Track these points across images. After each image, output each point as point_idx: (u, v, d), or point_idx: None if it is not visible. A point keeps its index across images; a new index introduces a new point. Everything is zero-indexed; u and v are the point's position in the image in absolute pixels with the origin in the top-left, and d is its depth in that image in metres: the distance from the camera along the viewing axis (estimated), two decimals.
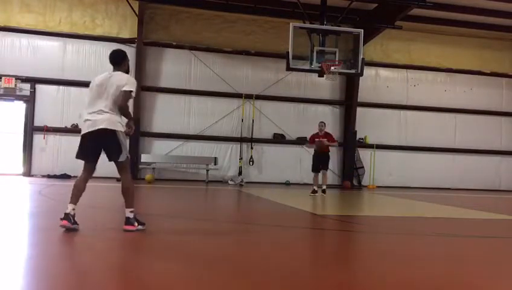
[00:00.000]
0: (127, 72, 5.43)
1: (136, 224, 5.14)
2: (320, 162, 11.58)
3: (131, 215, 5.14)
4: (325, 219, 7.79)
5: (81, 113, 5.29)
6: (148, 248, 4.72)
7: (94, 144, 5.07)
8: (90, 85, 5.34)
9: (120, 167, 5.19)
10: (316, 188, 11.49)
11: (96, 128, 4.97)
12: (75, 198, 5.13)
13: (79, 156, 5.19)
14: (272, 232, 6.05)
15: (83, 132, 5.11)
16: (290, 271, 3.86)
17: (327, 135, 11.64)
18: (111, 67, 5.49)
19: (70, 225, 4.93)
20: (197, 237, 5.29)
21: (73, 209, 5.04)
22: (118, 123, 5.07)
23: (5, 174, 14.18)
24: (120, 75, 5.21)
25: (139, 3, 14.85)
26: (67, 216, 4.95)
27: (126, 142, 5.20)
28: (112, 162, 5.23)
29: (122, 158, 5.09)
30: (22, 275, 3.51)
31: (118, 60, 5.36)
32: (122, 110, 5.11)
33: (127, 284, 3.39)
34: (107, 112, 5.03)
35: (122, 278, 3.58)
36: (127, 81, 5.14)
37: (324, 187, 11.54)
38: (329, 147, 11.66)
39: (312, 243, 5.54)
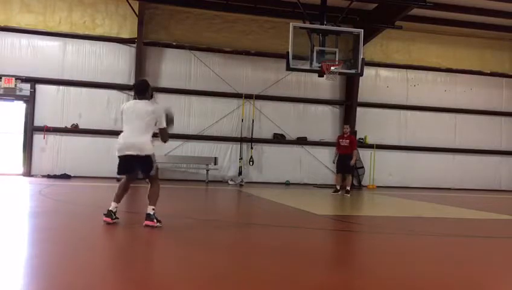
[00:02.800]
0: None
1: (155, 221, 5.53)
2: (341, 165, 12.38)
3: (152, 212, 5.58)
4: (325, 219, 7.80)
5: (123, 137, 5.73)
6: (148, 247, 4.72)
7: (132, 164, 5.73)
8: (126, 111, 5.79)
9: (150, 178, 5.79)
10: (338, 187, 12.43)
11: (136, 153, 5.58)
12: (118, 198, 5.73)
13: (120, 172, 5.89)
14: (272, 232, 6.05)
15: (121, 153, 5.66)
16: (290, 271, 3.86)
17: (351, 138, 12.51)
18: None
19: (111, 221, 5.57)
20: (197, 236, 5.29)
21: (116, 207, 5.66)
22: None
23: (5, 174, 14.18)
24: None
25: (139, 3, 14.83)
26: (109, 213, 5.58)
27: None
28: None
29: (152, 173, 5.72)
30: (22, 275, 3.51)
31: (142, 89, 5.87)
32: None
33: (127, 283, 3.39)
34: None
35: (122, 277, 3.58)
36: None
37: (348, 188, 12.36)
38: (352, 150, 12.30)
39: (312, 243, 5.54)
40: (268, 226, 6.44)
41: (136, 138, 5.57)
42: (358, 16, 15.70)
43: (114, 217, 5.62)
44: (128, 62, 15.32)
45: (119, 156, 5.66)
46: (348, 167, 12.37)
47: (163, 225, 5.54)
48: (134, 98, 6.13)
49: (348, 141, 12.33)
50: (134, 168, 5.76)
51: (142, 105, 5.69)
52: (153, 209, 5.57)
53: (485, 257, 4.90)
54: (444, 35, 17.67)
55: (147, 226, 5.47)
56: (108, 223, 5.52)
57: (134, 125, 5.60)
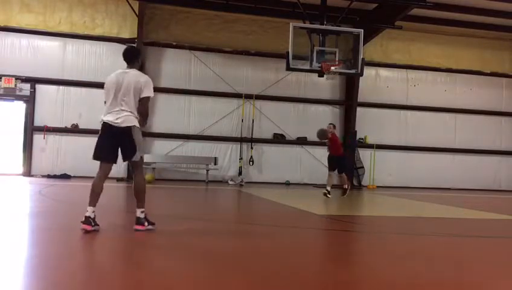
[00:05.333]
0: (141, 68, 5.38)
1: (146, 224, 5.22)
2: (334, 164, 11.39)
3: (142, 216, 5.22)
4: (325, 219, 7.79)
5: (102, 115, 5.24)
6: (147, 248, 4.71)
7: (112, 143, 5.13)
8: (106, 86, 5.24)
9: (134, 166, 5.26)
10: (329, 189, 11.05)
11: (117, 126, 5.04)
12: (94, 200, 5.12)
13: (96, 156, 5.24)
14: (272, 232, 6.05)
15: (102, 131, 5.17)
16: (290, 271, 3.86)
17: (333, 138, 11.35)
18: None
19: (91, 228, 4.97)
20: (198, 237, 5.29)
21: (93, 211, 5.05)
22: (135, 120, 5.12)
23: (5, 174, 14.18)
24: (136, 75, 5.19)
25: (139, 3, 14.84)
26: (87, 219, 4.97)
27: (142, 142, 5.26)
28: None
29: (136, 158, 5.15)
30: (22, 275, 3.51)
31: (131, 58, 5.32)
32: (142, 114, 5.18)
33: (127, 284, 3.39)
34: (126, 111, 5.06)
35: (122, 278, 3.58)
36: (145, 85, 5.12)
37: (345, 187, 11.47)
38: (342, 150, 11.60)
39: (312, 243, 5.54)
40: (268, 227, 6.43)
41: (121, 112, 5.04)
42: (358, 16, 15.71)
43: (93, 223, 5.02)
44: None
45: (100, 135, 5.15)
46: (334, 165, 11.35)
47: (156, 227, 5.34)
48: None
49: (330, 142, 11.35)
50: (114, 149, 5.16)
51: (133, 75, 5.14)
52: (142, 211, 5.19)
53: (485, 257, 4.89)
54: (444, 35, 17.68)
55: (137, 230, 5.14)
56: (87, 230, 4.93)
57: (120, 98, 5.07)
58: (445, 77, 18.09)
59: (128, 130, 5.05)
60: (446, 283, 3.70)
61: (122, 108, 5.07)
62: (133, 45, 5.54)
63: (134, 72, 5.20)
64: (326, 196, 10.89)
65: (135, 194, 5.25)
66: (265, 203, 9.96)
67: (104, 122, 5.14)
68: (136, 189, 5.25)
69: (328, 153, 11.61)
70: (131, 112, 5.08)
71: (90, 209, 5.03)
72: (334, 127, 11.66)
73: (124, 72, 5.21)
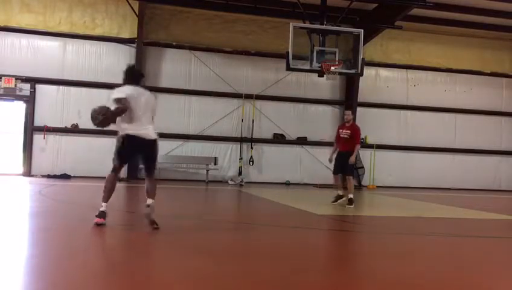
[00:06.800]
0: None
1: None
2: (339, 163, 9.21)
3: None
4: (325, 219, 7.79)
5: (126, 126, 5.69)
6: (147, 246, 4.72)
7: (134, 152, 5.70)
8: (135, 99, 5.65)
9: (152, 171, 5.78)
10: (340, 193, 9.30)
11: (143, 137, 5.57)
12: (107, 197, 5.61)
13: (119, 161, 5.71)
14: (272, 232, 6.05)
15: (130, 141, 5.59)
16: (290, 271, 3.86)
17: (353, 127, 9.26)
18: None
19: (102, 221, 5.45)
20: (198, 236, 5.30)
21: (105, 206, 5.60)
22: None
23: (5, 174, 14.17)
24: (151, 96, 5.92)
25: (139, 3, 14.83)
26: (102, 213, 5.47)
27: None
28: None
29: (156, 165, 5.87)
30: (22, 275, 3.51)
31: (137, 79, 5.97)
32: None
33: (127, 283, 3.39)
34: (149, 124, 5.70)
35: (123, 277, 3.58)
36: (156, 105, 5.96)
37: (350, 196, 9.09)
38: (354, 145, 9.14)
39: (312, 243, 5.54)
40: (268, 227, 6.43)
41: (148, 130, 5.64)
42: (358, 16, 15.70)
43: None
44: (128, 62, 15.26)
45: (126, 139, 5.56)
46: (347, 166, 9.12)
47: (160, 226, 5.41)
48: (126, 84, 5.93)
49: (348, 132, 9.12)
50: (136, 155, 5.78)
51: (149, 95, 5.80)
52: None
53: (484, 257, 4.90)
54: (444, 35, 17.68)
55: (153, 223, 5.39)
56: (99, 224, 5.40)
57: (147, 116, 5.67)
58: (445, 77, 18.09)
59: (155, 142, 5.64)
60: (446, 283, 3.70)
61: (144, 121, 5.62)
62: (134, 64, 6.57)
63: (148, 92, 5.87)
64: (339, 200, 9.26)
65: (150, 191, 5.60)
66: (265, 203, 9.96)
67: (128, 135, 5.54)
68: (152, 189, 5.63)
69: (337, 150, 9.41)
70: (151, 126, 5.68)
71: (104, 205, 5.50)
72: (351, 113, 9.65)
73: (142, 91, 5.78)
